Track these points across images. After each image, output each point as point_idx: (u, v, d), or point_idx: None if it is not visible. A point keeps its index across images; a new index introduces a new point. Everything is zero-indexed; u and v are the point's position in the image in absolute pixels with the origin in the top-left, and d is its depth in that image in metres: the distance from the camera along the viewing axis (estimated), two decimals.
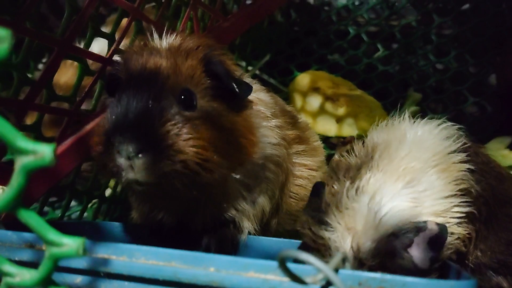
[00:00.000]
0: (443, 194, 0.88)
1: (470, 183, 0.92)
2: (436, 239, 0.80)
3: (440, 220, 0.85)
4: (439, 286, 0.65)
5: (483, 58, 1.97)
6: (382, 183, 0.87)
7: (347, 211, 0.84)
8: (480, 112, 1.93)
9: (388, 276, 0.64)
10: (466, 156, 0.95)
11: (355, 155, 0.99)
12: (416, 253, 0.80)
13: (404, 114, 1.04)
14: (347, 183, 0.88)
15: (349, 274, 0.65)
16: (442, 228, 0.81)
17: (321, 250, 0.86)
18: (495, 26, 1.96)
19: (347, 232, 0.83)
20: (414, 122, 1.02)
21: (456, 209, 0.88)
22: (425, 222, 0.81)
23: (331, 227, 0.84)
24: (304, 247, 0.92)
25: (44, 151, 0.44)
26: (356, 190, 0.86)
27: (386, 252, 0.80)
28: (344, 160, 0.99)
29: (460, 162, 0.93)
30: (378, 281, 0.64)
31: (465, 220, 0.90)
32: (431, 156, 0.92)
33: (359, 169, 0.91)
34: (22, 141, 0.45)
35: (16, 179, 0.46)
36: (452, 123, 1.02)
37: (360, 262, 0.81)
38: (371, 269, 0.80)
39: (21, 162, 0.45)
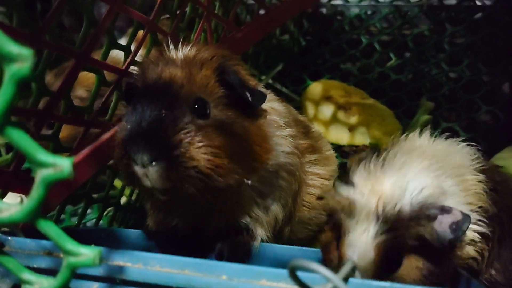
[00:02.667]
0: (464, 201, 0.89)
1: (487, 202, 0.92)
2: (458, 225, 0.80)
3: None
4: None
5: (496, 67, 1.97)
6: (407, 160, 0.89)
7: (374, 177, 0.86)
8: (493, 121, 1.92)
9: (398, 285, 0.64)
10: (484, 177, 0.94)
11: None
12: (437, 229, 0.80)
13: (421, 131, 1.04)
14: (374, 155, 0.91)
15: (358, 283, 0.66)
16: (466, 217, 0.81)
17: (346, 211, 0.86)
18: (508, 35, 1.96)
19: (373, 195, 0.83)
20: (431, 139, 1.02)
21: (473, 226, 0.88)
22: (450, 207, 0.82)
23: (358, 189, 0.86)
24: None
25: (63, 164, 0.45)
26: (384, 160, 0.89)
27: (410, 218, 0.80)
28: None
29: (478, 182, 0.93)
30: None
31: (479, 239, 0.90)
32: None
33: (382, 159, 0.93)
34: (42, 155, 0.46)
35: (36, 191, 0.47)
36: (471, 143, 1.02)
37: (382, 224, 0.81)
38: (391, 240, 0.81)
39: (41, 175, 0.46)
